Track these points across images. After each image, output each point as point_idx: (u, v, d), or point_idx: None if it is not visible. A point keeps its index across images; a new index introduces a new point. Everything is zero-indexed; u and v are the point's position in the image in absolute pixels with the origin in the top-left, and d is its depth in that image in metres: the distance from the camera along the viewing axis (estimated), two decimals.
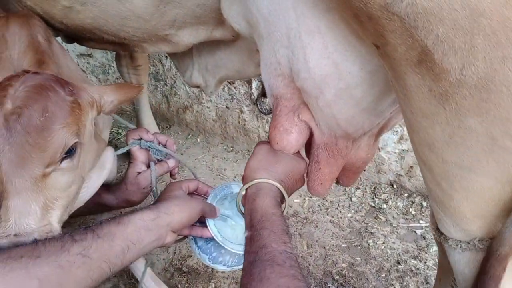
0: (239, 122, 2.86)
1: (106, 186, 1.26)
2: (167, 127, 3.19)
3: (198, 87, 1.66)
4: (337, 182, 1.24)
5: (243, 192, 1.03)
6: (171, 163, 1.34)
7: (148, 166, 1.29)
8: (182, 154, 2.91)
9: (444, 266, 1.27)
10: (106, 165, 1.22)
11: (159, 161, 1.32)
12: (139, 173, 1.28)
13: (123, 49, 1.45)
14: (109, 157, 1.23)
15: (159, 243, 1.04)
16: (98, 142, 1.16)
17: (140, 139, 1.29)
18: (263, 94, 2.63)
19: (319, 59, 0.88)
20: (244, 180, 1.06)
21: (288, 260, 0.81)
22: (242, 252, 1.12)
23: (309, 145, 1.12)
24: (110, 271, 0.95)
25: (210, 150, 2.94)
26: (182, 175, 2.66)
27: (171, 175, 1.36)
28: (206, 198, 1.22)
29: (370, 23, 0.66)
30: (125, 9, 1.15)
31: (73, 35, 1.41)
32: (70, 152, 0.97)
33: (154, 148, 1.30)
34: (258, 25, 0.98)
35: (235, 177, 2.68)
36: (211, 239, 1.16)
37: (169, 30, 1.28)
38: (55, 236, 0.95)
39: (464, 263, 0.91)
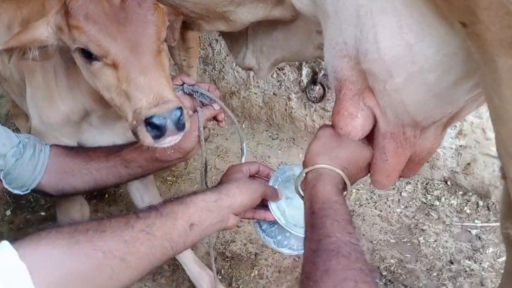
0: (285, 110, 2.83)
1: None
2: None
3: (250, 69, 1.64)
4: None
5: (303, 175, 1.01)
6: (216, 107, 1.32)
7: (194, 111, 1.28)
8: (227, 140, 2.92)
9: (510, 272, 1.20)
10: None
11: (204, 105, 1.31)
12: None
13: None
14: None
15: (221, 226, 1.06)
16: None
17: (183, 84, 1.28)
18: (313, 81, 2.59)
19: (391, 39, 0.83)
20: (305, 163, 1.02)
21: (354, 252, 0.78)
22: None
23: (370, 135, 1.07)
24: (173, 251, 0.97)
25: (254, 137, 2.93)
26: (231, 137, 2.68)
27: (217, 121, 1.34)
28: (268, 181, 1.21)
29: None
30: None
31: None
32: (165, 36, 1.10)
33: (198, 92, 1.28)
34: (324, 2, 0.94)
35: (279, 165, 2.66)
36: (275, 223, 1.16)
37: (228, 7, 1.26)
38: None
39: None
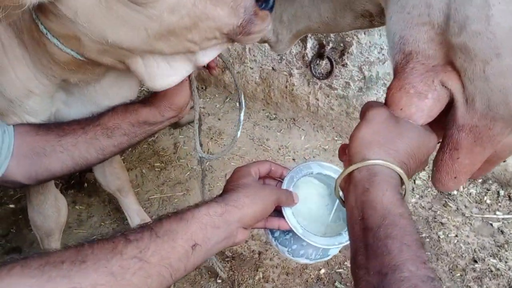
0: (286, 87, 2.59)
1: (142, 101, 1.14)
2: (202, 88, 2.93)
3: (264, 42, 1.39)
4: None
5: (346, 173, 0.78)
6: None
7: None
8: (219, 119, 2.67)
9: None
10: None
11: None
12: None
13: None
14: None
15: (228, 243, 0.89)
16: None
17: None
18: (319, 55, 2.34)
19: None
20: (350, 157, 0.79)
21: None
22: (330, 247, 0.98)
23: (440, 119, 0.85)
24: (172, 279, 0.80)
25: (250, 117, 2.68)
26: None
27: (209, 68, 1.16)
28: (281, 182, 1.03)
29: None
30: None
31: None
32: None
33: None
34: None
35: (279, 149, 2.44)
36: (289, 230, 0.99)
37: None
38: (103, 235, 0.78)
39: None
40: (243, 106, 1.24)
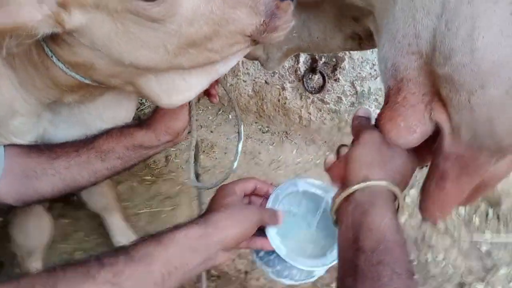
0: (278, 100, 2.59)
1: (138, 124, 1.12)
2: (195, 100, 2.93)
3: (255, 59, 1.39)
4: None
5: (346, 195, 0.78)
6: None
7: None
8: (211, 132, 2.66)
9: None
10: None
11: None
12: None
13: None
14: None
15: (207, 265, 0.89)
16: None
17: None
18: (312, 70, 2.35)
19: (497, 36, 0.61)
20: (348, 175, 0.80)
21: None
22: (314, 268, 0.99)
23: (426, 146, 0.86)
24: None
25: (243, 130, 2.68)
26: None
27: (210, 96, 1.18)
28: (266, 200, 1.02)
29: None
30: None
31: None
32: None
33: None
34: None
35: (271, 162, 2.44)
36: (274, 251, 0.98)
37: None
38: (76, 259, 0.78)
39: None
40: (242, 137, 1.23)
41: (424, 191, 0.86)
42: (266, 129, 2.68)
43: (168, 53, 0.78)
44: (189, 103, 1.09)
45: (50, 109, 1.08)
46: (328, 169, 0.89)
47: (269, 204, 1.00)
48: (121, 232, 1.76)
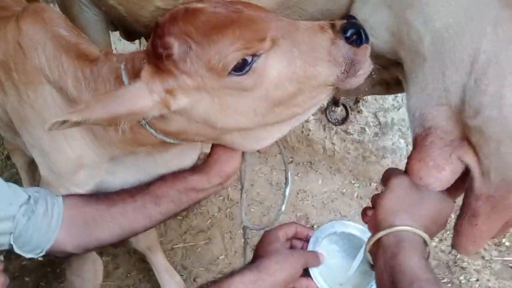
0: (302, 132, 2.68)
1: (192, 168, 1.15)
2: None
3: None
4: None
5: (375, 240, 0.86)
6: None
7: None
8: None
9: None
10: None
11: None
12: None
13: None
14: None
15: None
16: None
17: None
18: (334, 102, 2.44)
19: None
20: (377, 223, 0.88)
21: None
22: None
23: (459, 185, 0.92)
24: None
25: (268, 161, 2.76)
26: None
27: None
28: (307, 242, 1.10)
29: None
30: None
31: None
32: None
33: None
34: (419, 41, 0.79)
35: (297, 193, 2.50)
36: None
37: None
38: None
39: None
40: (289, 182, 1.25)
41: (457, 228, 0.93)
42: (290, 159, 2.76)
43: (257, 115, 0.87)
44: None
45: (112, 160, 1.14)
46: (363, 218, 0.97)
47: (309, 247, 1.08)
48: (166, 271, 1.84)
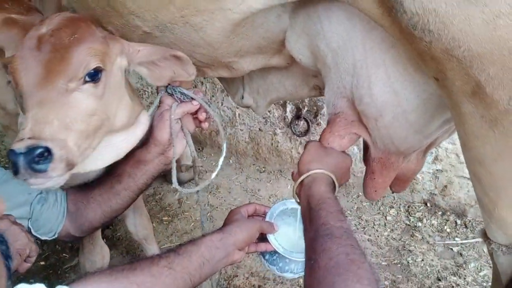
0: (272, 144, 3.10)
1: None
2: (199, 149, 3.43)
3: (248, 107, 1.89)
4: (391, 189, 1.47)
5: (299, 182, 1.23)
6: (194, 103, 1.42)
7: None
8: (216, 175, 3.12)
9: (497, 278, 1.46)
10: (137, 131, 1.34)
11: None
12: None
13: None
14: (142, 123, 1.35)
15: (228, 260, 1.29)
16: (132, 102, 1.30)
17: (167, 86, 1.40)
18: (297, 117, 2.88)
19: (382, 87, 1.11)
20: (299, 172, 1.25)
21: (345, 233, 0.99)
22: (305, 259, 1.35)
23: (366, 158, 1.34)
24: (191, 283, 1.20)
25: (243, 171, 3.16)
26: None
27: (200, 122, 1.45)
28: (265, 217, 1.43)
29: (432, 62, 0.89)
30: (198, 38, 1.32)
31: None
32: (93, 77, 1.11)
33: (178, 91, 1.40)
34: (325, 57, 1.22)
35: (270, 197, 2.90)
36: (275, 252, 1.38)
37: (232, 58, 1.50)
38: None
39: (507, 265, 1.13)
40: (224, 153, 1.51)
41: (364, 182, 1.34)
42: (263, 169, 3.16)
43: None
44: (170, 123, 1.36)
45: None
46: (292, 177, 1.34)
47: (266, 219, 1.42)
48: None
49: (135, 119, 1.33)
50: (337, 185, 1.20)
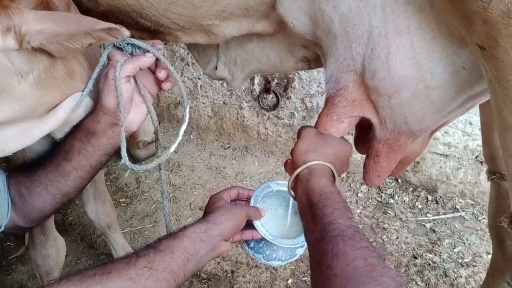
0: (237, 119, 2.90)
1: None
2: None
3: (222, 80, 1.69)
4: None
5: (295, 175, 1.09)
6: (148, 55, 1.11)
7: None
8: (176, 152, 2.92)
9: (499, 263, 1.39)
10: (54, 116, 1.06)
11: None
12: None
13: (151, 36, 1.44)
14: (66, 104, 1.07)
15: (215, 253, 1.14)
16: (40, 91, 1.00)
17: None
18: (265, 90, 2.69)
19: (403, 58, 0.95)
20: (294, 163, 1.11)
21: (357, 233, 0.87)
22: (293, 245, 1.22)
23: (366, 138, 1.19)
24: (175, 283, 1.04)
25: (205, 148, 2.96)
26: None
27: (160, 83, 1.16)
28: (249, 202, 1.29)
29: (483, 26, 0.74)
30: None
31: (101, 16, 1.38)
32: None
33: (129, 44, 1.10)
34: (331, 22, 1.04)
35: (236, 175, 2.73)
36: (261, 239, 1.24)
37: (213, 20, 1.29)
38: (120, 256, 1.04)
39: None
40: (186, 119, 1.22)
41: (365, 166, 1.19)
42: (227, 145, 2.98)
43: None
44: (115, 83, 1.07)
45: None
46: (285, 167, 1.20)
47: (251, 204, 1.27)
48: (123, 247, 1.98)
49: (52, 106, 1.05)
50: (336, 176, 1.06)
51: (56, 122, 1.07)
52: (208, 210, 1.21)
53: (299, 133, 1.17)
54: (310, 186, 1.01)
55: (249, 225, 1.23)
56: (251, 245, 1.29)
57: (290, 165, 1.16)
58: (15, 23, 0.89)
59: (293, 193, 1.13)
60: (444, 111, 1.04)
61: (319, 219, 0.93)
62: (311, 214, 0.97)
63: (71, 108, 1.08)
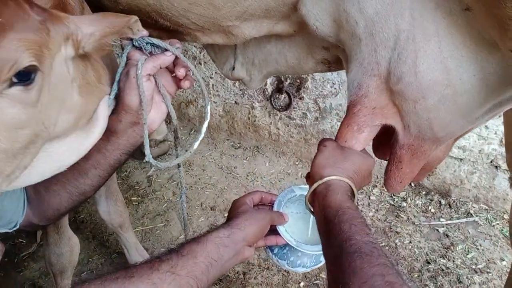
0: (248, 118, 2.89)
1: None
2: (166, 121, 3.17)
3: (239, 80, 1.68)
4: None
5: (312, 190, 1.07)
6: (168, 54, 1.11)
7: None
8: (186, 151, 2.90)
9: None
10: (97, 126, 1.05)
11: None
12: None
13: (170, 36, 1.43)
14: (102, 110, 1.06)
15: (238, 258, 1.13)
16: (84, 99, 0.99)
17: (133, 39, 1.08)
18: (278, 90, 2.68)
19: (431, 63, 0.93)
20: (312, 178, 1.10)
21: (375, 250, 0.86)
22: (318, 252, 1.20)
23: (387, 144, 1.18)
24: None
25: (217, 147, 2.95)
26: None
27: (179, 81, 1.15)
28: (272, 206, 1.27)
29: None
30: None
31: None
32: (25, 78, 0.81)
33: (148, 43, 1.09)
34: (356, 25, 1.02)
35: (247, 175, 2.72)
36: (285, 245, 1.22)
37: (234, 22, 1.28)
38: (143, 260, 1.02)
39: None
40: (208, 117, 1.21)
41: (387, 172, 1.17)
42: (238, 145, 2.97)
43: None
44: (137, 82, 1.07)
45: None
46: (307, 181, 1.18)
47: (274, 209, 1.25)
48: (134, 246, 1.97)
49: (91, 115, 1.04)
50: (355, 191, 1.04)
51: (100, 131, 1.07)
52: (232, 215, 1.20)
53: (319, 146, 1.15)
54: (326, 202, 1.00)
55: (272, 231, 1.22)
56: (275, 251, 1.28)
57: (309, 179, 1.15)
58: (71, 30, 0.91)
59: (311, 207, 1.11)
60: (471, 117, 1.02)
61: (336, 235, 0.92)
62: (328, 229, 0.96)
63: (107, 113, 1.08)
